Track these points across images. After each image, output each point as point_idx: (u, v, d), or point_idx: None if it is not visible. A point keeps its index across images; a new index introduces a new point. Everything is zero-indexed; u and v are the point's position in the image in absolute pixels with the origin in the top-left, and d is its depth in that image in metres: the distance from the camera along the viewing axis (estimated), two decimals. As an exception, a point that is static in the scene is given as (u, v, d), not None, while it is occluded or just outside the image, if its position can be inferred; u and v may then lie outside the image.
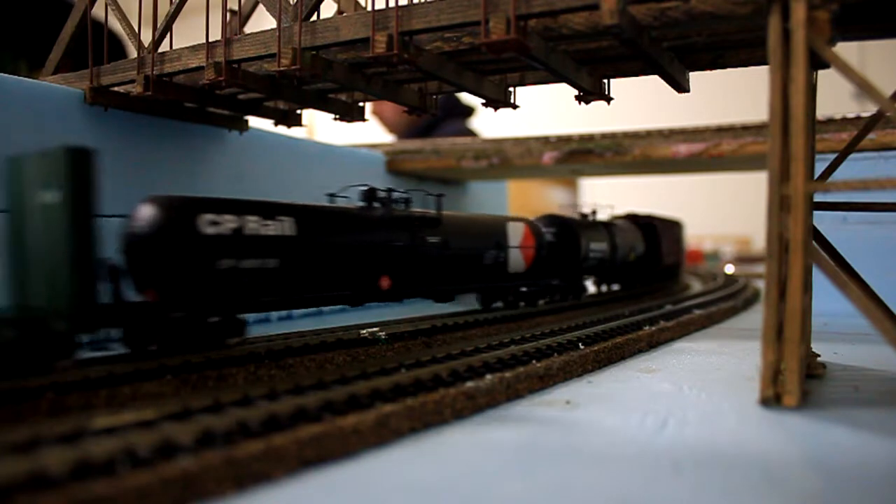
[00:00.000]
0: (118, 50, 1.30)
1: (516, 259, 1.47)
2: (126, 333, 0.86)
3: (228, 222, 0.90)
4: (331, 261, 1.05)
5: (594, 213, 1.96)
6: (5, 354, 0.71)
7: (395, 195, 1.20)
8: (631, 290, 2.11)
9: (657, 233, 2.24)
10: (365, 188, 1.18)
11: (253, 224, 0.93)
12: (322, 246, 1.03)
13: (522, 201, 3.19)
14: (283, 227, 0.97)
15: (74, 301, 0.75)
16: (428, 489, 0.52)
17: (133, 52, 1.18)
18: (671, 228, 2.44)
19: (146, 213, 0.86)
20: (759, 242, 4.87)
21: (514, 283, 1.49)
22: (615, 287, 2.14)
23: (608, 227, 1.94)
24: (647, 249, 2.19)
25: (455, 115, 3.11)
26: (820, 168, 0.95)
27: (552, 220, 1.74)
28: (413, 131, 3.00)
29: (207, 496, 0.50)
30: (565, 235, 1.71)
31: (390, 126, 3.13)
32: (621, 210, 2.30)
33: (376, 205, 1.17)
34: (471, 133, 3.09)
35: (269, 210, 0.96)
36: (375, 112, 3.05)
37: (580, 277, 1.76)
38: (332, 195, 1.15)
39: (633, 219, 2.25)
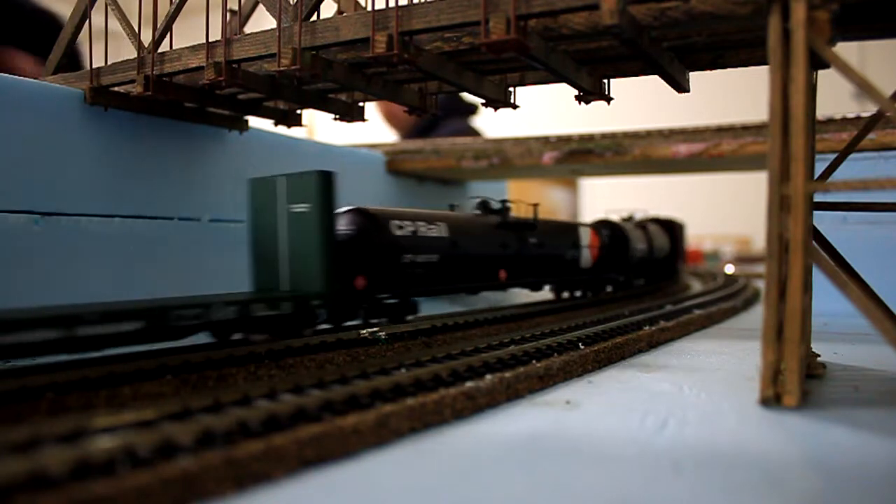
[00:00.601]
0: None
1: (586, 257, 1.80)
2: (332, 311, 1.07)
3: (408, 227, 1.19)
4: (470, 256, 1.35)
5: (630, 217, 2.27)
6: (284, 321, 0.98)
7: (497, 205, 1.52)
8: (658, 283, 2.35)
9: (676, 233, 2.54)
10: (479, 199, 1.54)
11: (423, 228, 1.22)
12: (465, 245, 1.32)
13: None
14: (440, 230, 1.26)
15: (323, 284, 1.01)
16: (428, 489, 0.52)
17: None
18: (681, 229, 2.71)
19: (355, 219, 1.13)
20: (759, 242, 4.87)
21: (583, 276, 1.82)
22: (641, 282, 2.31)
23: (644, 228, 2.22)
24: (670, 248, 2.48)
25: (458, 114, 3.11)
26: (820, 168, 0.95)
27: (606, 224, 2.03)
28: (417, 130, 2.99)
29: (207, 496, 0.50)
30: (617, 237, 1.99)
31: (396, 123, 3.13)
32: (620, 210, 2.37)
33: (488, 212, 1.49)
34: (474, 132, 3.09)
35: (430, 218, 1.26)
36: (383, 110, 3.04)
37: (629, 272, 2.05)
38: (451, 206, 1.48)
39: (656, 221, 2.50)
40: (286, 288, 1.04)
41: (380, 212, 1.16)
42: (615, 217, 2.18)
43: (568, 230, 1.76)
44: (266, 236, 1.06)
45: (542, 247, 1.59)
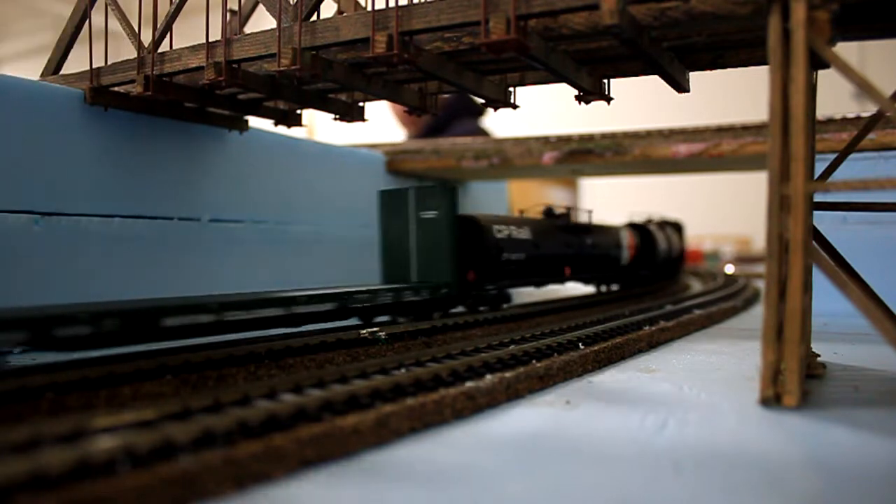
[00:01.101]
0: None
1: (625, 255, 2.07)
2: (452, 299, 1.31)
3: (505, 230, 1.42)
4: (547, 256, 1.60)
5: (650, 220, 2.46)
6: (422, 306, 1.23)
7: (561, 211, 1.77)
8: (672, 278, 2.58)
9: (681, 233, 2.77)
10: (545, 207, 1.77)
11: (514, 232, 1.46)
12: (543, 246, 1.57)
13: (524, 202, 3.19)
14: (526, 233, 1.50)
15: (452, 278, 1.25)
16: (428, 489, 0.52)
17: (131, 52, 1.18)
18: (683, 229, 2.88)
19: (468, 224, 1.36)
20: (759, 242, 4.87)
21: (623, 272, 2.11)
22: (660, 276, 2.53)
23: (663, 229, 2.44)
24: (680, 247, 2.71)
25: (467, 115, 3.11)
26: (820, 168, 0.95)
27: (637, 226, 2.31)
28: (428, 130, 2.99)
29: (207, 496, 0.50)
30: (646, 238, 2.26)
31: (408, 123, 3.12)
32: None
33: (552, 218, 1.74)
34: (483, 132, 3.09)
35: (519, 223, 1.51)
36: (395, 109, 3.03)
37: (656, 268, 2.34)
38: (521, 211, 1.72)
39: (667, 223, 2.67)
40: (416, 280, 1.28)
41: (485, 217, 1.40)
42: (638, 219, 2.42)
43: (613, 232, 2.04)
44: (397, 237, 1.30)
45: (595, 247, 1.86)
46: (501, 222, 1.44)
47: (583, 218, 1.88)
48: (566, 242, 1.70)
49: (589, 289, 2.17)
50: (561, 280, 1.74)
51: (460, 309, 1.37)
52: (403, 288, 1.18)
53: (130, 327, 0.77)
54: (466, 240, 1.32)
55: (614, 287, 2.15)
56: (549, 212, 1.76)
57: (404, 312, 1.23)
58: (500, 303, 1.45)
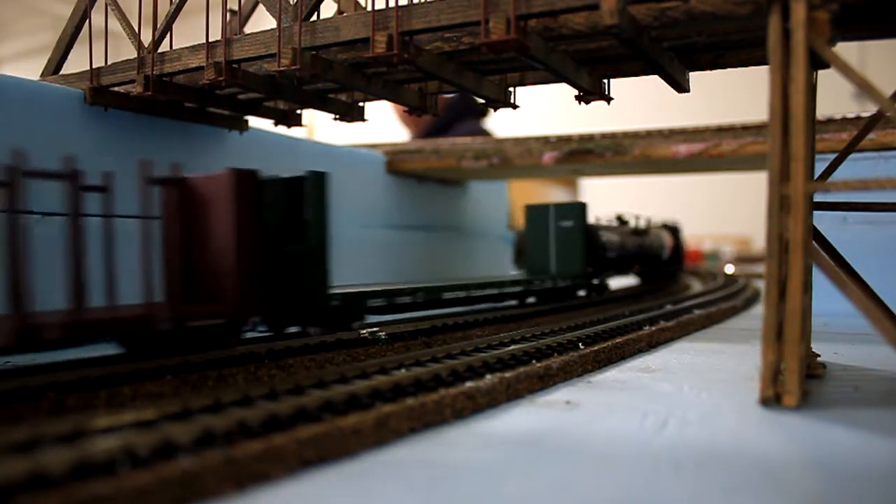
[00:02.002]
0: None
1: (666, 253, 2.53)
2: (577, 287, 1.78)
3: (606, 234, 1.90)
4: (628, 255, 2.07)
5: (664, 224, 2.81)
6: (562, 291, 1.70)
7: (628, 217, 2.25)
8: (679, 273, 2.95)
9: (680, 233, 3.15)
10: (616, 215, 2.25)
11: (611, 235, 1.93)
12: (626, 246, 2.05)
13: (524, 202, 3.20)
14: (616, 236, 1.97)
15: (580, 272, 1.73)
16: (428, 490, 0.52)
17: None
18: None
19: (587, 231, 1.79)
20: (759, 242, 4.87)
21: (664, 267, 2.55)
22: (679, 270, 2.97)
23: (676, 230, 2.82)
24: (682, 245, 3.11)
25: (470, 115, 3.10)
26: (820, 168, 0.95)
27: (669, 227, 2.72)
28: (429, 130, 2.99)
29: (207, 496, 0.50)
30: (676, 238, 2.75)
31: (411, 123, 3.12)
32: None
33: (622, 223, 2.22)
34: (485, 133, 3.09)
35: (611, 228, 1.99)
36: (398, 109, 3.03)
37: (680, 263, 2.87)
38: (597, 219, 2.08)
39: (670, 225, 2.94)
40: (554, 272, 1.74)
41: (595, 225, 1.88)
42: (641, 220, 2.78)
43: (659, 234, 2.49)
44: (539, 240, 1.77)
45: (651, 247, 2.32)
46: (604, 229, 1.92)
47: (641, 222, 2.32)
48: (636, 243, 2.17)
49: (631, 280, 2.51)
50: (631, 273, 2.28)
51: (582, 293, 1.83)
52: (554, 278, 1.69)
53: (427, 298, 1.27)
54: (586, 242, 1.76)
55: (656, 279, 2.57)
56: (619, 218, 2.23)
57: (548, 297, 1.68)
58: (604, 290, 1.89)
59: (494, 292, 1.47)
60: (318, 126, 2.94)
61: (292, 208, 1.00)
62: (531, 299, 1.66)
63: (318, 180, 1.00)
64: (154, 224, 0.84)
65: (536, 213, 1.79)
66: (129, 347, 0.84)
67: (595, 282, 1.84)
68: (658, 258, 2.42)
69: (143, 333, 0.82)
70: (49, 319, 0.71)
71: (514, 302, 1.66)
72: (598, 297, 1.83)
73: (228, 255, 0.88)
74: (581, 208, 1.74)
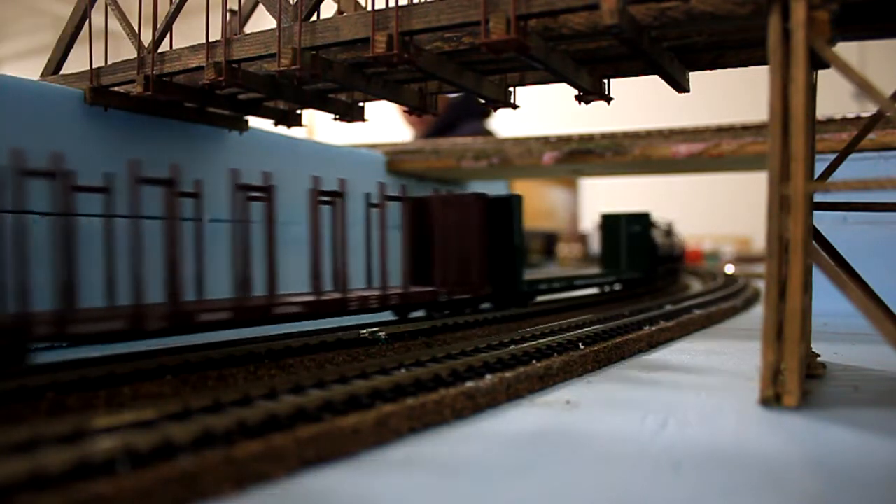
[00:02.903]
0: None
1: (678, 251, 2.89)
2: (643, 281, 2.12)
3: (658, 236, 2.24)
4: (664, 253, 2.36)
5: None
6: (633, 282, 2.09)
7: (662, 223, 2.56)
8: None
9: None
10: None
11: (658, 236, 2.24)
12: (664, 247, 2.37)
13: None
14: (660, 237, 2.27)
15: (649, 269, 2.09)
16: (428, 490, 0.52)
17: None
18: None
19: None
20: (759, 242, 4.87)
21: (678, 264, 2.87)
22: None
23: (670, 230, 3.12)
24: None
25: (473, 115, 3.10)
26: (820, 168, 0.95)
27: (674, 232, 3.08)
28: (435, 130, 2.98)
29: (207, 496, 0.50)
30: (679, 238, 3.08)
31: (415, 123, 3.12)
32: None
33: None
34: (488, 133, 3.08)
35: (660, 230, 2.34)
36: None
37: (683, 261, 3.25)
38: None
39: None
40: (625, 268, 2.08)
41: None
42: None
43: (675, 235, 2.89)
44: (613, 243, 2.11)
45: (673, 247, 2.72)
46: (655, 231, 2.27)
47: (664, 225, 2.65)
48: (669, 243, 2.56)
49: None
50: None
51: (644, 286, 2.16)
52: (626, 271, 2.06)
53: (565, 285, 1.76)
54: (642, 241, 2.14)
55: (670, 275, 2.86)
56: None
57: (624, 285, 2.05)
58: (654, 282, 2.20)
59: (597, 281, 1.93)
60: (318, 126, 2.94)
61: (501, 219, 1.45)
62: (617, 286, 2.06)
63: (517, 200, 1.48)
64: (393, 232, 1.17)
65: (611, 220, 2.13)
66: (401, 315, 1.26)
67: (654, 275, 2.30)
68: (676, 256, 2.84)
69: (431, 303, 1.26)
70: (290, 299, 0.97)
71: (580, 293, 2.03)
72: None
73: (475, 252, 1.35)
74: (647, 217, 2.10)
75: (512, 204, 1.46)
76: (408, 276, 1.17)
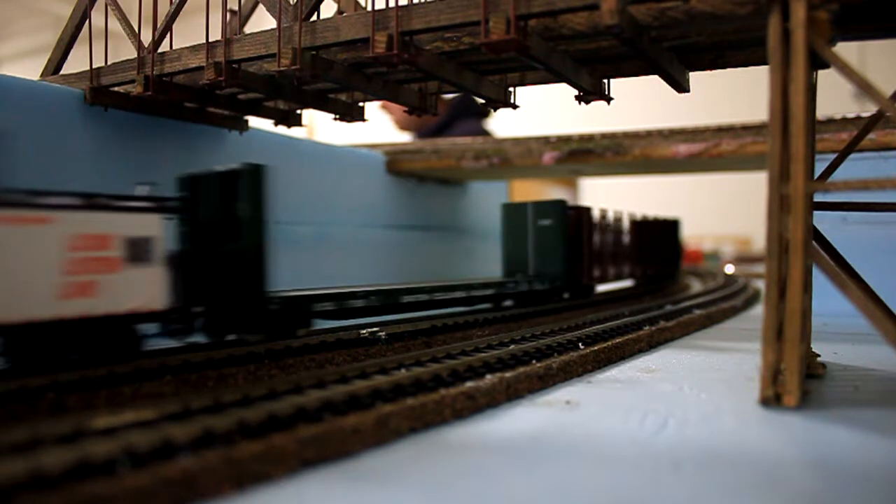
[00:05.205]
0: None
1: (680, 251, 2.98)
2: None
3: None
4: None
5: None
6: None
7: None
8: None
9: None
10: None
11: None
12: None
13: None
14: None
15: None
16: (428, 489, 0.52)
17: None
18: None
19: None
20: (759, 242, 4.87)
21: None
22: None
23: None
24: None
25: (472, 116, 3.09)
26: (820, 168, 0.95)
27: None
28: (427, 131, 2.97)
29: (207, 496, 0.50)
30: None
31: (403, 125, 3.10)
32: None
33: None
34: (486, 133, 3.07)
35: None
36: (385, 107, 2.99)
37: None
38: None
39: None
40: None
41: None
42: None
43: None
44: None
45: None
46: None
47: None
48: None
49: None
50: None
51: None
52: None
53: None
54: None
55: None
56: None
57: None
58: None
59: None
60: (318, 126, 2.94)
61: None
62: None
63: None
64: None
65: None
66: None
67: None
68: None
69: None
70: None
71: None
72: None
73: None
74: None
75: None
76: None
